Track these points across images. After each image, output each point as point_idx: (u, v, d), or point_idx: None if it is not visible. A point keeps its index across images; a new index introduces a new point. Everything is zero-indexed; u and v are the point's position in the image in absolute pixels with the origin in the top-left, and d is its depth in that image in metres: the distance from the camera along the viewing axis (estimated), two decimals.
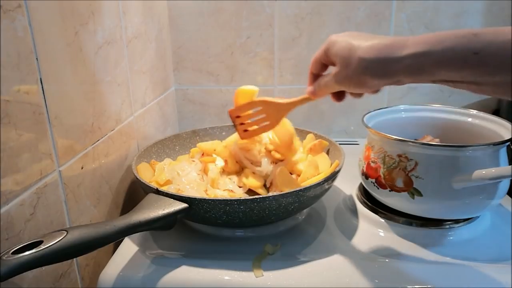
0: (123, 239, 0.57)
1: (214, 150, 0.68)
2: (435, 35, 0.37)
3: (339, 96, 0.50)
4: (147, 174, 0.63)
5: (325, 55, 0.46)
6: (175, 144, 0.74)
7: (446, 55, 0.35)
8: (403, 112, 0.70)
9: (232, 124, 0.64)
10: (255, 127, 0.62)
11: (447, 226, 0.57)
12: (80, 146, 0.52)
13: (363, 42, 0.41)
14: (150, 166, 0.66)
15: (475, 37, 0.34)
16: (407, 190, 0.56)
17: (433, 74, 0.37)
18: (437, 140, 0.65)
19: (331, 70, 0.47)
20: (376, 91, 0.45)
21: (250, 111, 0.61)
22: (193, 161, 0.67)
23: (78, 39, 0.51)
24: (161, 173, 0.62)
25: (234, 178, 0.63)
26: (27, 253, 0.35)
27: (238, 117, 0.63)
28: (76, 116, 0.51)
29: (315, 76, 0.51)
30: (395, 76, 0.40)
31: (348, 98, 0.50)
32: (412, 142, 0.55)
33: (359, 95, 0.48)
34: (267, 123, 0.61)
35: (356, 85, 0.43)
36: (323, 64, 0.49)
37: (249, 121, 0.62)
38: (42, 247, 0.36)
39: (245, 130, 0.63)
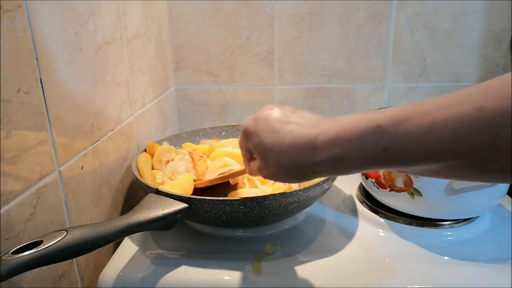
0: (123, 239, 0.57)
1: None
2: (342, 134, 0.33)
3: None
4: (147, 165, 0.64)
5: (245, 145, 0.43)
6: (175, 144, 0.74)
7: (360, 157, 0.33)
8: None
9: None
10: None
11: (447, 226, 0.57)
12: (80, 146, 0.52)
13: (275, 141, 0.38)
14: (149, 152, 0.67)
15: (380, 131, 0.31)
16: (407, 190, 0.56)
17: (349, 172, 0.36)
18: None
19: None
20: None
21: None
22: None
23: (78, 39, 0.51)
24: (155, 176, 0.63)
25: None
26: (27, 253, 0.35)
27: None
28: (76, 116, 0.51)
29: (247, 159, 0.47)
30: (316, 176, 0.38)
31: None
32: None
33: None
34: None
35: (281, 181, 0.42)
36: (247, 149, 0.45)
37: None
38: (42, 247, 0.36)
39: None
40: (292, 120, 0.38)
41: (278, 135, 0.38)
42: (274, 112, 0.40)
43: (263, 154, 0.40)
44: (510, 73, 0.27)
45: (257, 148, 0.40)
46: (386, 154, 0.31)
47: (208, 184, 0.59)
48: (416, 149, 0.30)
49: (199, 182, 0.60)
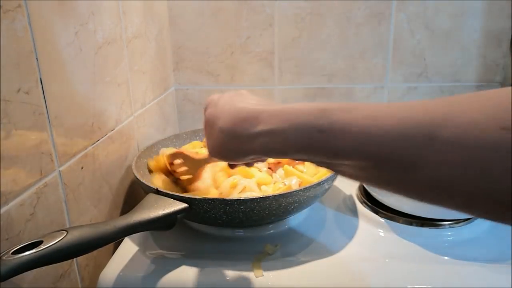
0: (123, 239, 0.57)
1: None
2: (286, 110, 0.34)
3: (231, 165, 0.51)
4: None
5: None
6: (175, 144, 0.74)
7: (292, 133, 0.32)
8: None
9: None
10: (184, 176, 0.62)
11: (447, 226, 0.57)
12: (80, 146, 0.52)
13: (226, 109, 0.39)
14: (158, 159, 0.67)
15: (322, 114, 0.30)
16: None
17: (285, 153, 0.35)
18: None
19: None
20: (248, 163, 0.46)
21: (177, 161, 0.63)
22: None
23: (78, 39, 0.51)
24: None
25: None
26: (27, 253, 0.35)
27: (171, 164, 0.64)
28: (76, 116, 0.51)
29: None
30: (252, 153, 0.38)
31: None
32: None
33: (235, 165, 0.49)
34: (190, 176, 0.61)
35: (216, 156, 0.42)
36: None
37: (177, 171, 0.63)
38: (42, 247, 0.36)
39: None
40: (249, 99, 0.40)
41: (230, 105, 0.39)
42: (238, 94, 0.42)
43: (212, 122, 0.41)
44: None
45: (210, 115, 0.41)
46: (320, 136, 0.30)
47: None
48: (352, 138, 0.28)
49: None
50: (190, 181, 0.61)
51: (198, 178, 0.61)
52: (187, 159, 0.61)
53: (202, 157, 0.58)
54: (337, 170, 0.32)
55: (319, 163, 0.34)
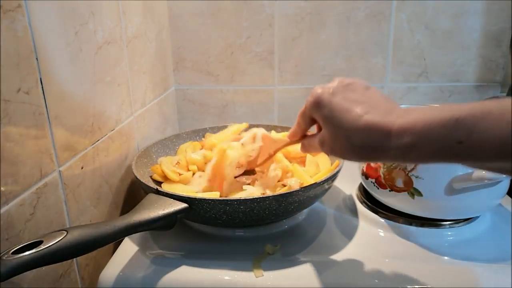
0: (123, 239, 0.57)
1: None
2: (418, 121, 0.34)
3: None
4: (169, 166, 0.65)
5: (309, 113, 0.43)
6: (175, 144, 0.74)
7: (431, 147, 0.33)
8: None
9: None
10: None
11: (447, 226, 0.57)
12: (80, 146, 0.52)
13: (349, 120, 0.38)
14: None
15: (457, 125, 0.31)
16: (407, 190, 0.56)
17: (420, 162, 0.36)
18: None
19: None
20: None
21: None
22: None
23: (78, 39, 0.51)
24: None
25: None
26: (27, 253, 0.35)
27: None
28: (76, 116, 0.51)
29: (302, 129, 0.48)
30: (381, 161, 0.38)
31: None
32: None
33: None
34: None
35: (341, 156, 0.41)
36: (310, 118, 0.45)
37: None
38: (42, 247, 0.36)
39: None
40: (366, 102, 0.38)
41: (352, 114, 0.38)
42: (349, 90, 0.40)
43: (333, 129, 0.39)
44: None
45: (328, 120, 0.40)
46: (460, 147, 0.31)
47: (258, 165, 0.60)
48: (492, 145, 0.30)
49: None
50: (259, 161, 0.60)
51: (270, 160, 0.60)
52: (267, 142, 0.60)
53: (281, 140, 0.57)
54: (479, 166, 0.34)
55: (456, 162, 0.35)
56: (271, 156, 0.59)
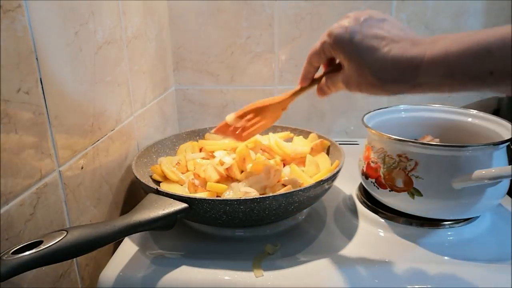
0: (123, 239, 0.57)
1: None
2: (449, 51, 0.34)
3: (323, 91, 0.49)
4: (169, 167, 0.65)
5: (328, 53, 0.43)
6: (175, 144, 0.74)
7: (463, 79, 0.34)
8: (403, 112, 0.70)
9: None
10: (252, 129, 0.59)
11: (447, 226, 0.57)
12: (80, 146, 0.52)
13: (375, 58, 0.37)
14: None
15: (488, 56, 0.32)
16: (407, 190, 0.56)
17: (452, 91, 0.36)
18: (437, 140, 0.65)
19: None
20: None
21: (241, 122, 0.59)
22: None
23: (78, 39, 0.51)
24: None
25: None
26: (27, 253, 0.35)
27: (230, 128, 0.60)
28: (76, 116, 0.51)
29: (313, 68, 0.48)
30: (410, 92, 0.38)
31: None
32: (412, 142, 0.55)
33: None
34: (264, 122, 0.58)
35: (367, 92, 0.41)
36: (325, 57, 0.45)
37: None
38: (42, 247, 0.36)
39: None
40: (387, 36, 0.38)
41: (377, 52, 0.37)
42: (368, 26, 0.39)
43: (358, 68, 0.39)
44: None
45: (352, 60, 0.39)
46: (492, 77, 0.32)
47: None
48: None
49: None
50: (264, 126, 0.58)
51: (276, 120, 0.58)
52: (259, 110, 0.57)
53: (279, 99, 0.55)
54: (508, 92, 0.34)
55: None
56: (284, 108, 0.56)
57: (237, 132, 0.59)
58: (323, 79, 0.48)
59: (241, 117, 0.58)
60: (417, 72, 0.35)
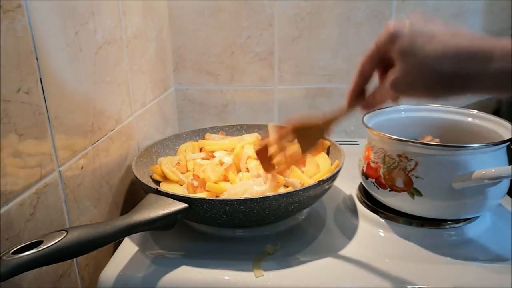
0: (123, 239, 0.57)
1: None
2: None
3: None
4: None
5: (383, 49, 0.39)
6: (175, 144, 0.74)
7: None
8: (403, 112, 0.70)
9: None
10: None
11: (447, 226, 0.57)
12: (80, 146, 0.52)
13: (436, 45, 0.34)
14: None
15: None
16: (407, 190, 0.56)
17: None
18: (437, 140, 0.65)
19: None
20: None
21: (280, 144, 0.53)
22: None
23: (78, 39, 0.51)
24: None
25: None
26: (27, 253, 0.35)
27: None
28: (76, 116, 0.51)
29: (365, 78, 0.43)
30: (473, 92, 0.34)
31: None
32: (412, 142, 0.55)
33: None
34: (299, 154, 0.52)
35: (417, 94, 0.37)
36: (379, 59, 0.41)
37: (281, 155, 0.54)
38: (42, 247, 0.36)
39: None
40: (448, 29, 0.35)
41: (438, 39, 0.34)
42: (426, 22, 0.36)
43: (414, 60, 0.35)
44: None
45: (409, 51, 0.35)
46: None
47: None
48: None
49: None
50: (303, 157, 0.52)
51: (317, 152, 0.53)
52: (302, 130, 0.50)
53: (323, 120, 0.49)
54: None
55: None
56: (326, 134, 0.50)
57: (273, 162, 0.54)
58: (368, 91, 0.44)
59: (281, 136, 0.53)
60: (487, 63, 0.32)
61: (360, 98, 0.44)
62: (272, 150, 0.54)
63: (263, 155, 0.55)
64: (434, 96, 0.37)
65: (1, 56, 0.37)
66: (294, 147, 0.52)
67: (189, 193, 0.60)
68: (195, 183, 0.60)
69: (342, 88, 0.92)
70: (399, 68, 0.37)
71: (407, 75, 0.36)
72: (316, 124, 0.50)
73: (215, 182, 0.60)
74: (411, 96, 0.38)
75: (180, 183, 0.64)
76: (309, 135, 0.51)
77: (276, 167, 0.55)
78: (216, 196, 0.58)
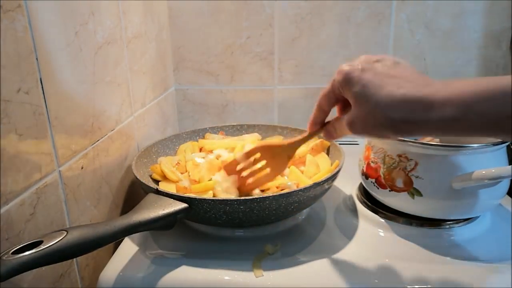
0: (123, 239, 0.57)
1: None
2: (465, 92, 0.32)
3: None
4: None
5: (338, 91, 0.41)
6: (175, 144, 0.74)
7: (477, 121, 0.32)
8: None
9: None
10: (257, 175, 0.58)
11: (447, 226, 0.57)
12: (80, 146, 0.52)
13: (384, 95, 0.36)
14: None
15: (507, 98, 0.30)
16: (407, 190, 0.56)
17: (463, 134, 0.34)
18: (437, 140, 0.65)
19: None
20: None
21: (248, 161, 0.58)
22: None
23: (78, 39, 0.51)
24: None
25: None
26: (27, 253, 0.35)
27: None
28: (76, 116, 0.51)
29: (323, 113, 0.46)
30: (424, 135, 0.36)
31: None
32: (412, 142, 0.55)
33: None
34: (269, 170, 0.57)
35: (372, 134, 0.39)
36: (335, 98, 0.43)
37: (248, 171, 0.59)
38: (42, 247, 0.36)
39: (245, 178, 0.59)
40: (399, 76, 0.37)
41: (387, 89, 0.36)
42: (379, 66, 0.38)
43: (366, 106, 0.37)
44: None
45: (361, 98, 0.37)
46: (510, 121, 0.30)
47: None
48: None
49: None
50: (270, 176, 0.57)
51: (284, 170, 0.57)
52: (268, 150, 0.56)
53: (287, 142, 0.54)
54: None
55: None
56: (290, 156, 0.55)
57: (242, 175, 0.59)
58: (331, 122, 0.47)
59: (248, 155, 0.58)
60: (429, 111, 0.34)
61: (322, 127, 0.48)
62: (239, 166, 0.59)
63: (231, 170, 0.59)
64: (389, 137, 0.39)
65: (1, 56, 0.37)
66: (263, 167, 0.58)
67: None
68: (186, 183, 0.59)
69: None
70: (354, 112, 0.39)
71: (361, 119, 0.38)
72: (281, 144, 0.56)
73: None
74: (367, 136, 0.41)
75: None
76: (275, 155, 0.56)
77: (244, 182, 0.59)
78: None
